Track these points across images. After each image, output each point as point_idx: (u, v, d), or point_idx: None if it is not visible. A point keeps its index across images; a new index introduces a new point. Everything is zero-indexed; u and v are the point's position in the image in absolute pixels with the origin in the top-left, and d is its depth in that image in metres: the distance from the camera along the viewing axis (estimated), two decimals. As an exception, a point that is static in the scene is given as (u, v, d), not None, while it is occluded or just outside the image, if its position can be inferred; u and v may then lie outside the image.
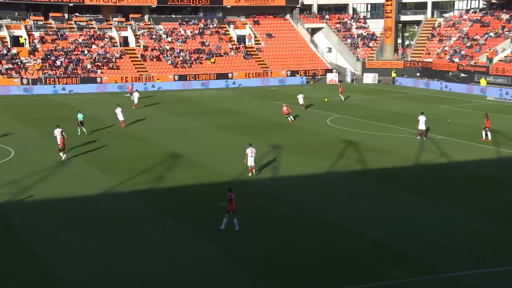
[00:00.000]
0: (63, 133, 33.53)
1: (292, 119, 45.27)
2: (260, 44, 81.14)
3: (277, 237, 20.95)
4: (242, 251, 19.61)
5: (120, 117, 43.13)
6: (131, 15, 79.18)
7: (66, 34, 72.64)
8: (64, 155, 31.94)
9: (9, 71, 64.10)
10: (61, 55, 68.55)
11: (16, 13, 72.92)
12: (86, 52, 70.30)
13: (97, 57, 69.79)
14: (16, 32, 70.93)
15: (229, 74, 72.93)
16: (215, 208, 22.97)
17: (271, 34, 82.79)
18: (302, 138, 39.19)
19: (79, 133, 39.29)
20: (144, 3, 78.99)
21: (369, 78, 74.48)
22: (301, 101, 51.91)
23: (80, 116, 39.73)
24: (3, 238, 20.72)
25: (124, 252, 19.47)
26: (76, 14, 76.96)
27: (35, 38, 70.53)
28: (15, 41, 70.21)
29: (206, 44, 77.33)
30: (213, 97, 60.85)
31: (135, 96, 53.02)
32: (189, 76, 70.97)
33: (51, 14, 75.38)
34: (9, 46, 68.82)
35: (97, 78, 66.76)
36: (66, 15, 76.59)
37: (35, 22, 73.20)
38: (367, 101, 57.66)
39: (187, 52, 74.75)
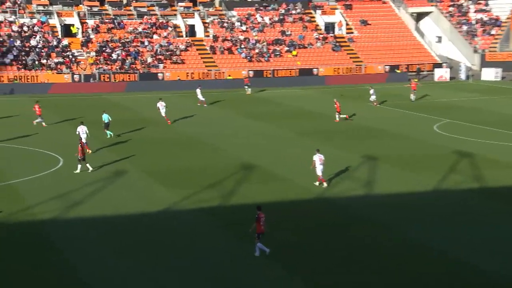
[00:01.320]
0: (84, 137, 35.01)
1: (337, 119, 47.16)
2: (352, 33, 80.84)
3: (366, 266, 20.86)
4: (319, 281, 19.69)
5: (163, 112, 45.91)
6: (199, 0, 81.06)
7: (124, 22, 75.44)
8: (87, 164, 32.71)
9: (59, 66, 67.30)
10: (118, 47, 71.25)
11: (68, -2, 76.44)
12: (146, 43, 72.68)
13: (159, 49, 72.00)
14: (68, 20, 74.35)
15: (314, 69, 73.05)
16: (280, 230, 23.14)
17: (366, 21, 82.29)
18: (403, 147, 38.74)
19: (108, 136, 41.12)
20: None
21: (490, 74, 72.34)
22: (373, 97, 54.43)
23: (105, 117, 41.39)
24: (48, 259, 21.83)
25: (183, 276, 20.03)
26: (136, -2, 79.72)
27: (88, 27, 73.67)
28: (66, 30, 73.58)
29: (287, 33, 77.96)
30: (294, 97, 61.17)
31: (198, 92, 54.96)
32: (266, 72, 71.70)
33: (107, -1, 78.58)
34: (59, 36, 72.25)
35: (159, 74, 68.83)
36: (124, 0, 79.48)
37: (90, 8, 76.52)
38: (486, 102, 56.10)
39: (265, 43, 75.64)
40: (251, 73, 70.38)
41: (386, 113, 51.79)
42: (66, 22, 74.18)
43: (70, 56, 68.96)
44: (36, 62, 67.00)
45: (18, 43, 68.77)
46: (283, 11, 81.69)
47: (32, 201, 27.93)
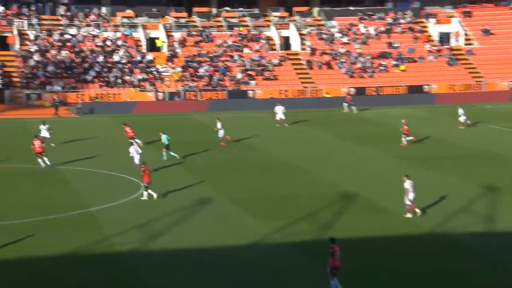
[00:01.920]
0: (138, 158, 35.90)
1: (405, 142, 46.75)
2: (471, 44, 79.24)
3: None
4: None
5: (221, 134, 47.22)
6: (295, 8, 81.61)
7: (212, 35, 77.06)
8: (153, 193, 33.34)
9: (142, 83, 69.42)
10: (206, 62, 72.79)
11: (154, 9, 78.75)
12: (236, 57, 73.91)
13: (249, 64, 73.01)
14: (153, 33, 76.66)
15: (424, 86, 72.04)
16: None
17: (489, 30, 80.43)
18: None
19: (165, 158, 42.19)
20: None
21: None
22: (462, 118, 53.90)
23: (164, 138, 42.69)
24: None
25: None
26: (227, 8, 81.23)
27: (175, 41, 75.66)
28: (151, 44, 75.87)
29: (394, 45, 77.35)
30: (401, 118, 60.34)
31: (279, 110, 56.29)
32: (369, 89, 71.28)
33: (195, 9, 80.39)
34: (144, 51, 74.58)
35: (249, 92, 69.74)
36: (214, 10, 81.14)
37: (176, 20, 78.61)
38: None
39: (368, 56, 75.31)
40: (352, 91, 70.06)
41: (509, 137, 50.31)
42: (151, 35, 76.35)
43: (154, 72, 70.98)
44: (119, 79, 69.29)
45: (100, 58, 71.44)
46: (390, 20, 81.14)
47: (111, 230, 28.80)
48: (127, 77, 69.69)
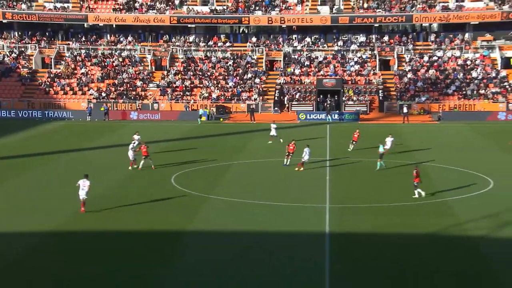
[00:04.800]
0: None
1: None
2: None
3: None
4: None
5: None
6: None
7: None
8: (422, 192, 31.49)
9: (495, 96, 66.85)
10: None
11: (511, 33, 74.75)
12: None
13: None
14: (508, 53, 73.09)
15: None
16: None
17: None
18: None
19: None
20: None
21: None
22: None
23: None
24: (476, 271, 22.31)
25: None
26: None
27: (527, 60, 71.09)
28: (506, 63, 72.54)
29: None
30: None
31: None
32: None
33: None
34: (498, 68, 71.69)
35: None
36: None
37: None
38: None
39: None
40: None
41: None
42: (507, 55, 73.17)
43: (507, 87, 67.90)
44: (475, 92, 67.72)
45: (460, 75, 70.62)
46: None
47: (463, 218, 28.41)
48: (482, 91, 67.84)
